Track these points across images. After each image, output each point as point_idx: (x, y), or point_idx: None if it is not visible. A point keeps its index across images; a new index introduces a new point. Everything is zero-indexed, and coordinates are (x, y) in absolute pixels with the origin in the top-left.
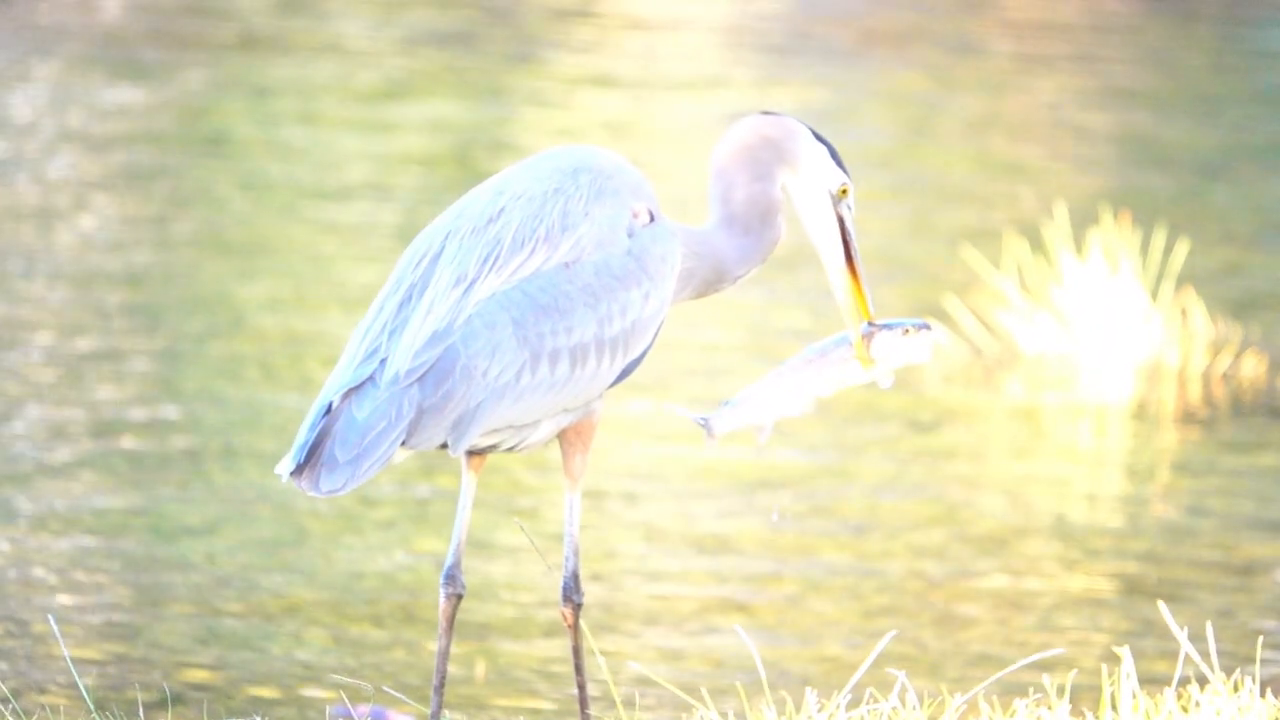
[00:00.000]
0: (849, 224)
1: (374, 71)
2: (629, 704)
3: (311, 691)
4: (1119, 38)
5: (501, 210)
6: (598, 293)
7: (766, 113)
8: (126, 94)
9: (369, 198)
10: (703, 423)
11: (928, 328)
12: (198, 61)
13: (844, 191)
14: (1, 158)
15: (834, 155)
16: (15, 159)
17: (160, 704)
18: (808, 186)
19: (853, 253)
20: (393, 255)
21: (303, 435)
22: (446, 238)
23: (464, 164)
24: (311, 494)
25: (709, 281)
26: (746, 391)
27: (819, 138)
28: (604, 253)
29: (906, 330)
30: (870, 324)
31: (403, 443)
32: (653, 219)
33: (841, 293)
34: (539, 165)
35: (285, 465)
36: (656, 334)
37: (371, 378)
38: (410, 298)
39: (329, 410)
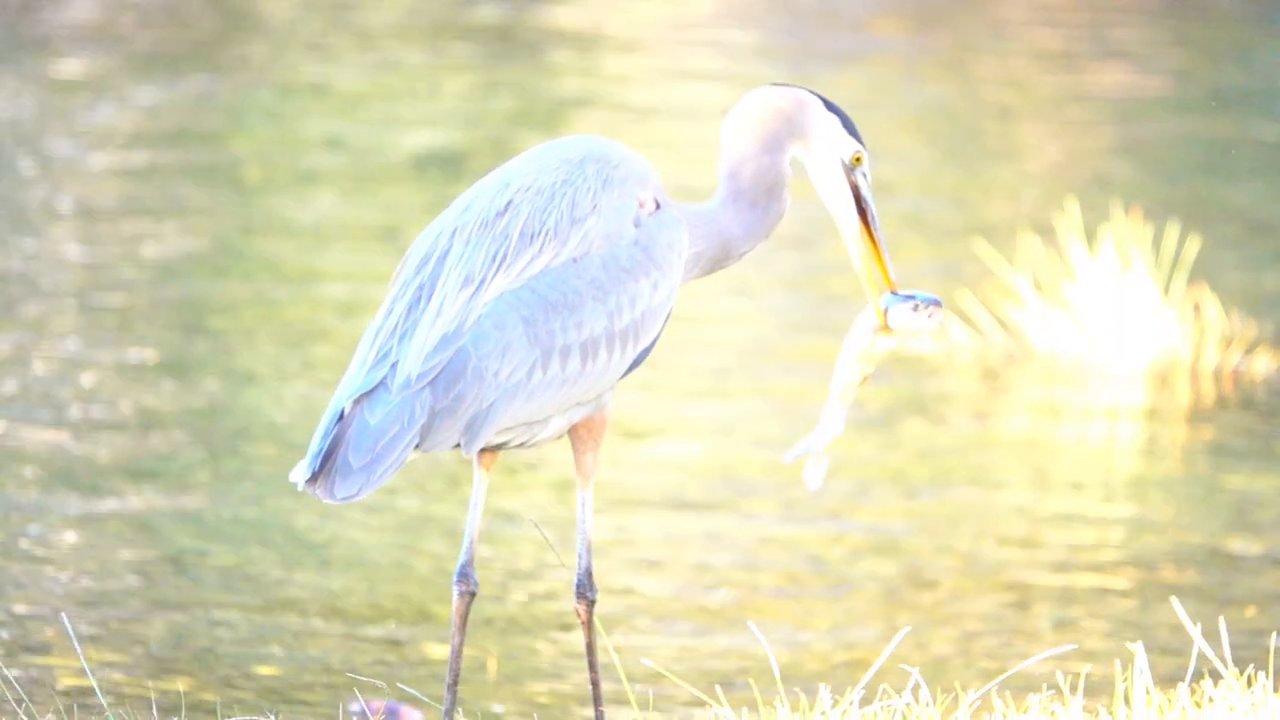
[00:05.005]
0: (865, 192)
1: (394, 68)
2: (642, 700)
3: (326, 689)
4: (1133, 30)
5: (509, 204)
6: (606, 286)
7: (777, 84)
8: (144, 91)
9: (387, 194)
10: (810, 452)
11: (938, 304)
12: (217, 56)
13: (858, 159)
14: (23, 153)
15: (846, 123)
16: (37, 153)
17: (173, 702)
18: (821, 157)
19: (871, 221)
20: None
21: (316, 443)
22: (453, 235)
23: (478, 164)
24: (327, 501)
25: (716, 260)
26: (826, 404)
27: (831, 106)
28: (611, 244)
29: (916, 306)
30: (893, 294)
31: (416, 446)
32: (659, 206)
33: (860, 261)
34: (545, 156)
35: (300, 473)
36: (665, 321)
37: (383, 382)
38: (419, 299)
39: (342, 417)
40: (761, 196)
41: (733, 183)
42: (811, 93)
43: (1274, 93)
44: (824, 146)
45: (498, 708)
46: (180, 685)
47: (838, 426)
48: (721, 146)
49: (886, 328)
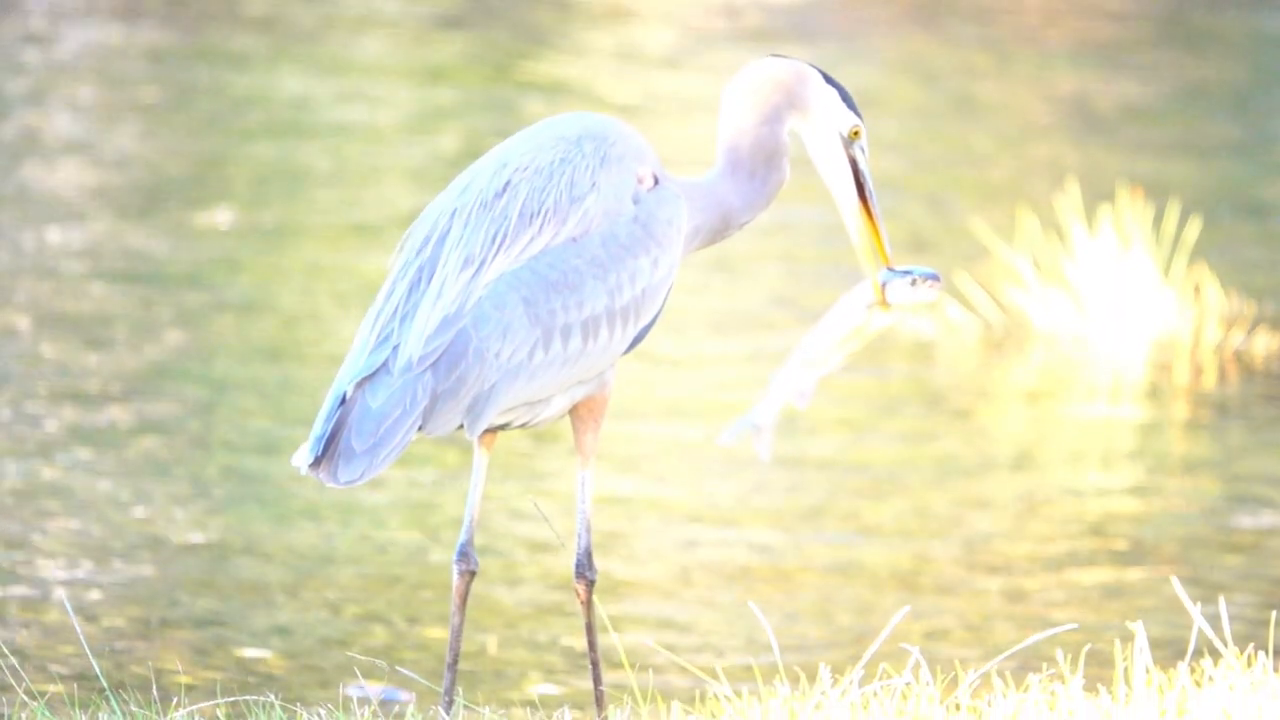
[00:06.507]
0: (863, 166)
1: (403, 49)
2: (643, 679)
3: (325, 670)
4: (1135, 15)
5: (508, 184)
6: (606, 264)
7: (776, 55)
8: (140, 68)
9: (390, 177)
10: (752, 428)
11: (937, 278)
12: (217, 35)
13: (856, 134)
14: (13, 126)
15: (845, 97)
16: (25, 124)
17: (173, 685)
18: (819, 130)
19: (868, 195)
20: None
21: (319, 427)
22: (453, 216)
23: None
24: (331, 485)
25: (716, 231)
26: (782, 370)
27: (829, 80)
28: (610, 222)
29: (914, 280)
30: (890, 269)
31: (419, 429)
32: (657, 182)
33: (857, 235)
34: (541, 134)
35: (303, 458)
36: (666, 297)
37: (385, 365)
38: (419, 281)
39: (344, 400)
40: (760, 167)
41: (731, 154)
42: (810, 65)
43: (1275, 74)
44: (822, 119)
45: (497, 688)
46: (180, 667)
47: (802, 399)
48: (720, 117)
49: (884, 303)
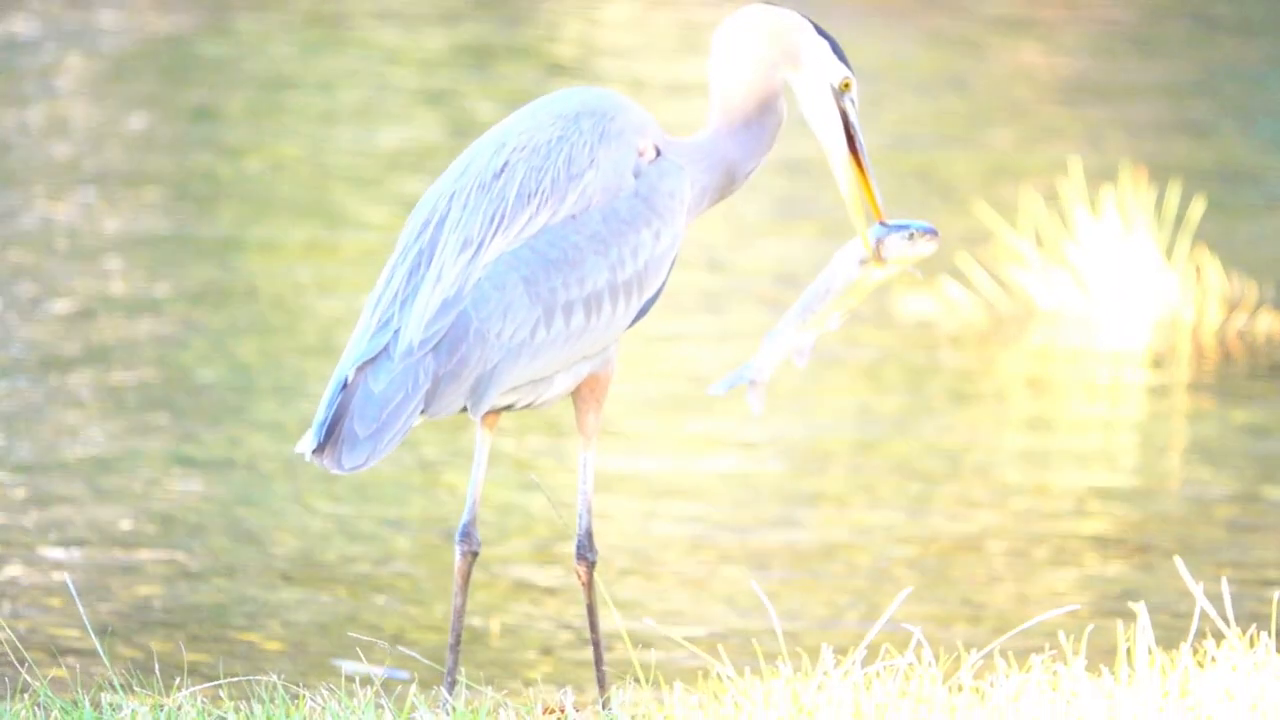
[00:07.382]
0: (853, 118)
1: (425, 34)
2: (644, 659)
3: (327, 651)
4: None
5: (505, 164)
6: (607, 239)
7: (768, 4)
8: (147, 50)
9: (396, 158)
10: (746, 381)
11: (934, 232)
12: (232, 15)
13: (846, 85)
14: (13, 110)
15: (836, 49)
16: (37, 101)
17: (176, 663)
18: (810, 81)
19: (858, 147)
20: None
21: (321, 413)
22: (451, 199)
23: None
24: (335, 471)
25: (723, 187)
26: (777, 326)
27: (821, 31)
28: (610, 197)
29: (912, 235)
30: (883, 224)
31: (422, 412)
32: (659, 154)
33: (847, 188)
34: (539, 113)
35: (306, 444)
36: (670, 269)
37: (386, 349)
38: (419, 265)
39: (346, 385)
40: (755, 113)
41: (726, 107)
42: (802, 15)
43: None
44: (814, 71)
45: (499, 668)
46: (183, 646)
47: (801, 356)
48: (712, 66)
49: (879, 259)
